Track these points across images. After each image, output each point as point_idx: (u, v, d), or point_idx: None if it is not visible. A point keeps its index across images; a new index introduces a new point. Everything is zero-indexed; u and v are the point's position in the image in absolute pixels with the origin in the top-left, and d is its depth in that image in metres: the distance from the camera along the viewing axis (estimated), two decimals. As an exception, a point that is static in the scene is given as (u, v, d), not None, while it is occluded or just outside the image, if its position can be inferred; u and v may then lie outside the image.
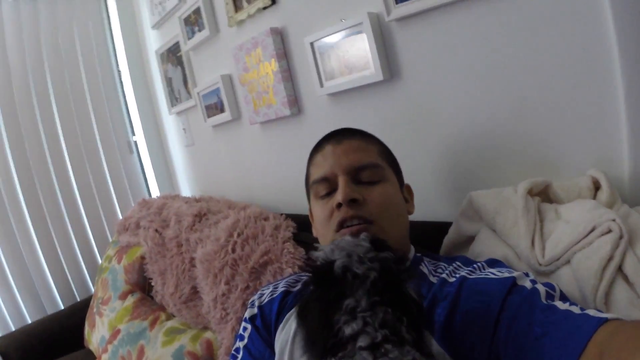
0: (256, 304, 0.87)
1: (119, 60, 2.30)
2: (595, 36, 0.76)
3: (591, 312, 0.53)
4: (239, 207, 1.49)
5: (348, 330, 0.54)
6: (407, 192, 0.91)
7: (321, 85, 1.29)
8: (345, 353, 0.53)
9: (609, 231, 0.67)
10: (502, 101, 0.92)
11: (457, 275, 0.70)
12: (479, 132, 0.99)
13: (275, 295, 0.85)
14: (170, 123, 2.21)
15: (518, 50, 0.87)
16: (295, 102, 1.44)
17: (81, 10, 2.18)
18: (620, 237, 0.66)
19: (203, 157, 2.08)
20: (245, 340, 0.85)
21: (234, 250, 1.26)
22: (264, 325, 0.82)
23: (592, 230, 0.69)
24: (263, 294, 0.88)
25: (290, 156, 1.55)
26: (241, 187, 1.85)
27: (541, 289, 0.61)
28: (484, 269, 0.71)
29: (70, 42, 2.16)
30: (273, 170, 1.65)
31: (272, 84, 1.45)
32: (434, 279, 0.73)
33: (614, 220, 0.67)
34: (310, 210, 0.90)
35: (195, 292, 1.41)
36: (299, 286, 0.85)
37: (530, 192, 0.83)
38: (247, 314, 0.87)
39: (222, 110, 1.74)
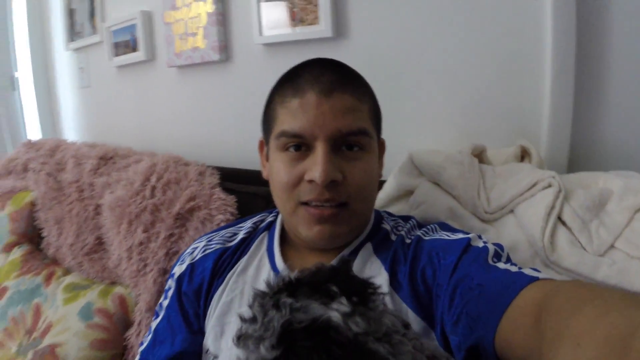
0: (187, 260, 0.77)
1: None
2: (532, 25, 0.86)
3: (526, 270, 0.55)
4: (148, 153, 1.37)
5: None
6: (380, 148, 0.76)
7: (260, 33, 1.24)
8: None
9: (549, 186, 0.77)
10: (443, 72, 0.99)
11: (413, 236, 0.69)
12: (416, 95, 1.04)
13: (209, 252, 0.77)
14: (64, 60, 1.95)
15: (466, 25, 0.95)
16: (225, 48, 1.36)
17: None
18: (559, 191, 0.76)
19: (100, 101, 1.88)
20: (168, 301, 0.76)
21: (153, 195, 1.16)
22: (191, 288, 0.74)
23: (535, 185, 0.78)
24: (195, 249, 0.79)
25: (212, 105, 1.46)
26: (144, 137, 1.70)
27: (491, 248, 0.61)
28: (437, 231, 0.70)
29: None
30: (188, 119, 1.55)
31: (203, 26, 1.36)
32: (393, 237, 0.71)
33: (553, 177, 0.78)
34: (264, 152, 0.75)
35: (100, 242, 1.28)
36: (236, 240, 0.77)
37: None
38: (175, 270, 0.78)
39: (134, 50, 1.59)
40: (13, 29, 2.00)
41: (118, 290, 1.15)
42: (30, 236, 1.38)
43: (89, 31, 1.76)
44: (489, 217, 0.81)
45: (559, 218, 0.75)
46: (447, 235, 0.67)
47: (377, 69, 1.08)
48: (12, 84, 1.99)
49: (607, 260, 0.69)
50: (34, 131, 2.07)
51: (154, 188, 1.18)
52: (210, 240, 0.79)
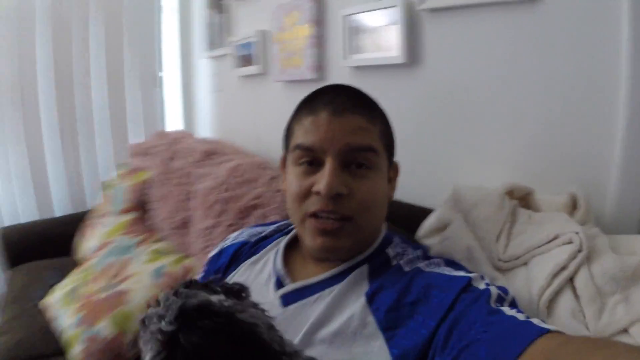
0: (219, 246, 0.91)
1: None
2: (607, 66, 0.80)
3: (535, 320, 0.53)
4: (244, 154, 1.58)
5: None
6: (392, 172, 0.79)
7: (345, 57, 1.36)
8: None
9: (570, 242, 0.69)
10: (510, 107, 0.97)
11: (414, 266, 0.69)
12: (480, 128, 1.04)
13: (235, 242, 0.88)
14: (202, 66, 2.30)
15: (537, 62, 0.91)
16: (319, 69, 1.49)
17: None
18: (579, 251, 0.68)
19: (227, 103, 2.16)
20: (199, 276, 0.91)
21: (228, 190, 1.34)
22: (213, 268, 0.87)
23: (555, 238, 0.71)
24: (229, 238, 0.91)
25: (304, 119, 1.61)
26: (252, 138, 1.92)
27: (494, 291, 0.60)
28: (440, 266, 0.70)
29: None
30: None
31: (302, 47, 1.52)
32: (394, 263, 0.72)
33: (577, 233, 0.69)
34: (283, 163, 0.80)
35: (186, 222, 1.51)
36: (258, 237, 0.87)
37: (512, 195, 0.87)
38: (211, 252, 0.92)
39: (251, 63, 1.81)
40: (160, 35, 2.43)
41: (188, 261, 1.36)
42: (141, 207, 1.68)
43: (221, 43, 2.05)
44: (502, 265, 0.77)
45: (571, 281, 0.67)
46: (448, 272, 0.66)
47: (446, 97, 1.11)
48: (155, 81, 2.40)
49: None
50: (174, 124, 2.47)
51: (231, 184, 1.36)
52: (242, 233, 0.91)
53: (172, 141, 1.82)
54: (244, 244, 0.86)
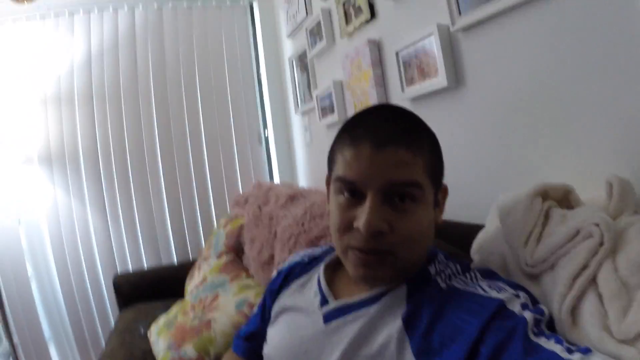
0: (279, 268, 0.97)
1: (260, 65, 2.72)
2: None
3: (577, 357, 0.50)
4: (322, 194, 1.67)
5: None
6: (441, 195, 0.76)
7: (402, 90, 1.42)
8: None
9: (591, 237, 0.64)
10: (554, 103, 0.95)
11: (451, 283, 0.69)
12: (530, 143, 1.03)
13: (291, 264, 0.94)
14: (297, 122, 2.51)
15: (573, 54, 0.89)
16: (385, 107, 1.57)
17: (230, 20, 2.66)
18: (601, 244, 0.62)
19: (317, 154, 2.32)
20: (264, 297, 0.97)
21: (301, 225, 1.44)
22: (271, 288, 0.92)
23: (576, 234, 0.67)
24: (287, 260, 0.97)
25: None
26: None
27: (529, 317, 0.57)
28: (476, 280, 0.69)
29: (219, 46, 2.64)
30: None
31: (367, 89, 1.62)
32: (433, 279, 0.71)
33: (597, 225, 0.64)
34: (328, 183, 0.79)
35: (272, 258, 1.63)
36: (309, 258, 0.92)
37: (547, 196, 0.82)
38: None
39: (332, 112, 1.95)
40: (262, 99, 2.74)
41: (269, 294, 1.46)
42: (236, 249, 1.86)
43: (308, 98, 2.23)
44: (529, 270, 0.73)
45: (595, 279, 0.61)
46: (483, 289, 0.65)
47: (492, 115, 1.13)
48: (260, 139, 2.68)
49: (632, 352, 0.51)
50: (276, 177, 2.70)
51: (306, 220, 1.46)
52: (297, 254, 0.98)
53: (265, 190, 1.99)
54: (297, 264, 0.93)
